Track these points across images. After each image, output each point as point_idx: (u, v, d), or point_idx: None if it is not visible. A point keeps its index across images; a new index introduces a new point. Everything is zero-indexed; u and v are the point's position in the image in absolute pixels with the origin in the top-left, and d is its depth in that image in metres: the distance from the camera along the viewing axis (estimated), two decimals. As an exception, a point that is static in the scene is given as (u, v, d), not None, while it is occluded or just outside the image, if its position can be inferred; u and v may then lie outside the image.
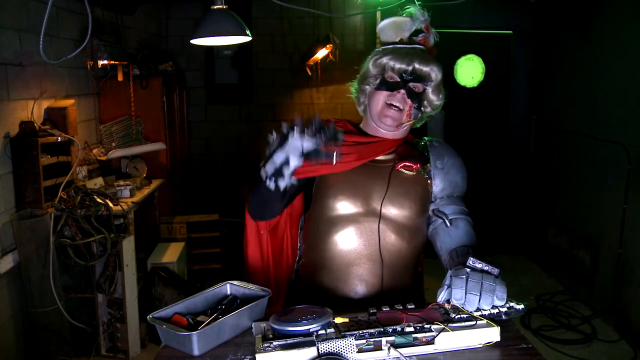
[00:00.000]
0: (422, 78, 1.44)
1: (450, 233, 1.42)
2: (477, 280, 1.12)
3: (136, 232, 3.12)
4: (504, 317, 1.11)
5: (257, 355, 0.99)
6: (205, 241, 4.24)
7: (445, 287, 1.15)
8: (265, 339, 1.07)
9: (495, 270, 1.16)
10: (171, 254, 3.62)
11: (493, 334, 1.07)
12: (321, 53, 4.42)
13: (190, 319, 1.15)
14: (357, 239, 1.42)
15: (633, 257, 3.20)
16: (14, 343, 2.67)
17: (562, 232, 4.05)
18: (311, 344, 1.01)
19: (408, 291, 1.48)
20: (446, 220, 1.42)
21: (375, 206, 1.43)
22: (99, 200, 2.85)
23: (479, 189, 4.73)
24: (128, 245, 2.92)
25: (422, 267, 1.60)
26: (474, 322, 1.08)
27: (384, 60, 1.45)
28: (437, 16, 5.02)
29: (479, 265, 1.16)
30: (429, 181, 1.47)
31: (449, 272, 1.18)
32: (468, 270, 1.15)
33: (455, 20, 4.28)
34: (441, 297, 1.15)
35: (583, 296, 3.69)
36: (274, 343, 1.02)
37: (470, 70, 4.19)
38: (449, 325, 1.07)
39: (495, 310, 1.12)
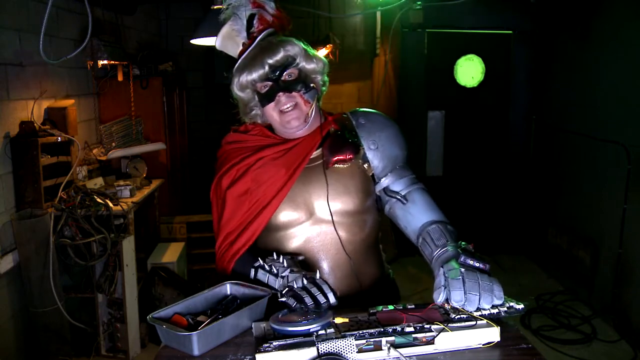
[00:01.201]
0: (285, 64, 1.33)
1: (410, 210, 1.33)
2: (475, 280, 1.09)
3: (136, 232, 3.12)
4: (503, 315, 1.11)
5: (257, 355, 0.99)
6: (205, 241, 4.23)
7: (443, 288, 1.12)
8: (265, 339, 1.07)
9: (487, 266, 1.14)
10: (171, 254, 3.62)
11: (493, 334, 1.07)
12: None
13: (190, 319, 1.15)
14: (308, 247, 1.37)
15: (633, 257, 3.20)
16: (14, 343, 2.67)
17: (562, 232, 4.05)
18: (311, 344, 1.01)
19: (377, 285, 1.44)
20: (400, 199, 1.33)
21: (318, 210, 1.37)
22: (99, 200, 2.85)
23: (479, 189, 4.75)
24: (128, 245, 2.92)
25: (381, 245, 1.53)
26: (474, 322, 1.08)
27: (243, 79, 1.35)
28: (437, 16, 5.02)
29: (470, 262, 1.14)
30: (365, 166, 1.38)
31: (441, 271, 1.14)
32: (462, 269, 1.12)
33: (455, 20, 4.28)
34: (440, 298, 1.12)
35: (583, 296, 3.69)
36: (274, 343, 1.02)
37: (470, 70, 4.21)
38: (449, 325, 1.07)
39: (495, 310, 1.11)
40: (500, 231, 4.68)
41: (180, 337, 1.07)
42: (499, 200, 4.70)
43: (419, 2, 4.12)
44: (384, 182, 1.37)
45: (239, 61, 1.38)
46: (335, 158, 1.37)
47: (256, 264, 1.29)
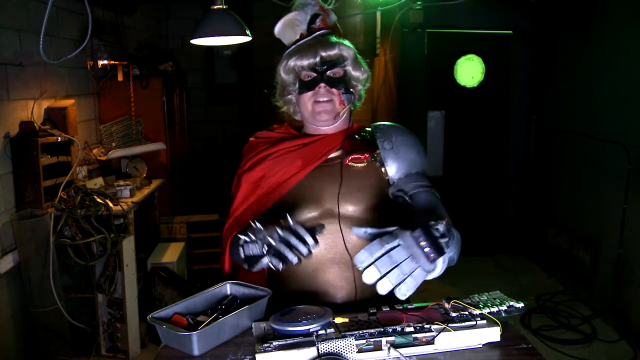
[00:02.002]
0: (336, 61, 1.39)
1: (411, 208, 1.31)
2: (396, 258, 0.94)
3: (136, 232, 3.12)
4: (503, 314, 1.11)
5: (257, 355, 0.99)
6: (205, 241, 4.24)
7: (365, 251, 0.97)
8: (265, 339, 1.07)
9: (432, 256, 0.93)
10: (171, 254, 3.62)
11: (493, 334, 1.07)
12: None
13: (190, 319, 1.15)
14: (322, 248, 1.35)
15: (633, 257, 3.20)
16: (14, 343, 2.67)
17: (562, 232, 4.05)
18: (311, 344, 1.01)
19: (389, 294, 1.42)
20: (406, 197, 1.31)
21: (330, 207, 1.37)
22: (99, 200, 2.85)
23: (479, 189, 4.75)
24: (128, 245, 2.92)
25: None
26: (474, 322, 1.08)
27: (291, 63, 1.41)
28: (437, 16, 5.01)
29: (422, 242, 0.93)
30: (382, 169, 1.40)
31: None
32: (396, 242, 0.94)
33: (455, 20, 4.28)
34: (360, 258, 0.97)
35: (583, 296, 3.69)
36: (274, 343, 1.02)
37: (470, 70, 4.21)
38: (450, 325, 1.07)
39: (495, 309, 1.12)
40: (500, 231, 4.68)
41: (180, 337, 1.07)
42: (499, 200, 4.70)
43: (419, 2, 4.12)
44: (397, 184, 1.37)
45: (293, 47, 1.44)
46: (352, 156, 1.40)
47: (240, 242, 1.22)
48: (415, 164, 1.39)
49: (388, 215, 1.42)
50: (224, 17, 2.16)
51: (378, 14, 4.91)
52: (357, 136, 1.46)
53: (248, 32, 2.23)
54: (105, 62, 3.49)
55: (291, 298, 1.33)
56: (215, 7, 2.18)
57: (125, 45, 3.99)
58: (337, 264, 1.36)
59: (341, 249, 1.36)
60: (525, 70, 4.54)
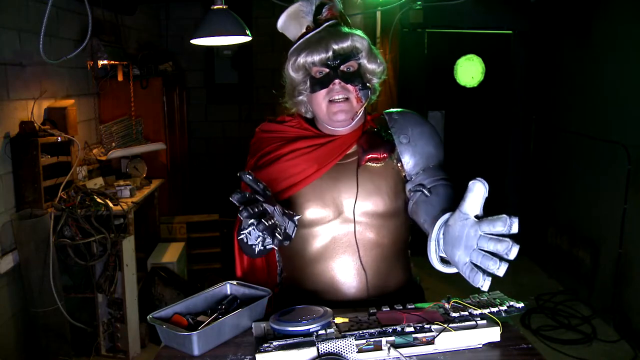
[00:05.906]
0: (350, 54, 1.28)
1: (432, 202, 1.20)
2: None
3: (136, 232, 3.12)
4: (503, 315, 1.11)
5: (257, 355, 0.99)
6: (205, 241, 4.24)
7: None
8: (265, 339, 1.07)
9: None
10: (171, 254, 3.62)
11: (493, 334, 1.07)
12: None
13: (190, 319, 1.15)
14: (334, 247, 1.31)
15: (633, 257, 3.20)
16: (14, 343, 2.67)
17: (562, 232, 4.05)
18: (311, 344, 1.01)
19: (403, 291, 1.40)
20: (425, 191, 1.23)
21: (347, 209, 1.31)
22: (99, 200, 2.85)
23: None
24: (128, 245, 2.92)
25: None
26: (474, 322, 1.08)
27: (301, 59, 1.29)
28: (437, 16, 5.00)
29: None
30: (399, 165, 1.33)
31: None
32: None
33: (455, 20, 4.28)
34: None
35: (583, 296, 3.69)
36: (274, 343, 1.02)
37: (470, 70, 4.19)
38: (450, 325, 1.07)
39: (495, 309, 1.12)
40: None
41: (180, 337, 1.07)
42: (499, 200, 4.70)
43: (419, 2, 4.11)
44: (414, 179, 1.30)
45: (300, 41, 1.33)
46: (369, 156, 1.32)
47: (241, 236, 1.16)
48: (433, 158, 1.32)
49: (406, 214, 1.37)
50: (224, 17, 2.16)
51: (378, 14, 4.91)
52: (374, 130, 1.38)
53: (248, 32, 2.24)
54: (105, 62, 3.50)
55: (305, 297, 1.32)
56: (215, 7, 2.18)
57: (125, 45, 3.99)
58: (353, 267, 1.33)
59: (355, 253, 1.32)
60: (525, 70, 4.54)
